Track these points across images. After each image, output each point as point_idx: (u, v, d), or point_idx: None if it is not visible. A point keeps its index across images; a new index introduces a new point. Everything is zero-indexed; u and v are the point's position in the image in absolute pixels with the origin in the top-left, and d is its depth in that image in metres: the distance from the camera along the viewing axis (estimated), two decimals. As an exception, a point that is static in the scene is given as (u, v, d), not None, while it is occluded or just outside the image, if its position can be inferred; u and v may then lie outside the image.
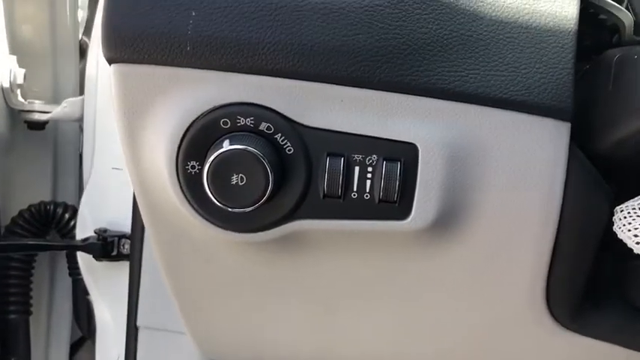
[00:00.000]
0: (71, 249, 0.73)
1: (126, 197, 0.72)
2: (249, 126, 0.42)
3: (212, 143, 0.42)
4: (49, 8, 0.80)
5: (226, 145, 0.41)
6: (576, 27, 0.44)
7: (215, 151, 0.41)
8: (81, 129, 0.88)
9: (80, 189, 0.88)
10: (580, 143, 0.44)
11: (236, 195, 0.41)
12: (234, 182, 0.41)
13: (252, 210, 0.42)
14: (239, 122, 0.42)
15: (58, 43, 0.82)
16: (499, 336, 0.49)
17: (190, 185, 0.43)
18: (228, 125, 0.42)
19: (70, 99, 0.77)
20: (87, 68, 0.75)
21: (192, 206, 0.44)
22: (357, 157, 0.42)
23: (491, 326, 0.48)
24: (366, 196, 0.43)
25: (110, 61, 0.43)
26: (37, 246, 0.79)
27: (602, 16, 0.49)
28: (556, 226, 0.44)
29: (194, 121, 0.42)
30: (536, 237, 0.44)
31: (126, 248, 0.73)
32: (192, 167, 0.43)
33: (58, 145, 0.86)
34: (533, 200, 0.43)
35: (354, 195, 0.43)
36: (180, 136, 0.43)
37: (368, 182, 0.43)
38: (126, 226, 0.73)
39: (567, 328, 0.48)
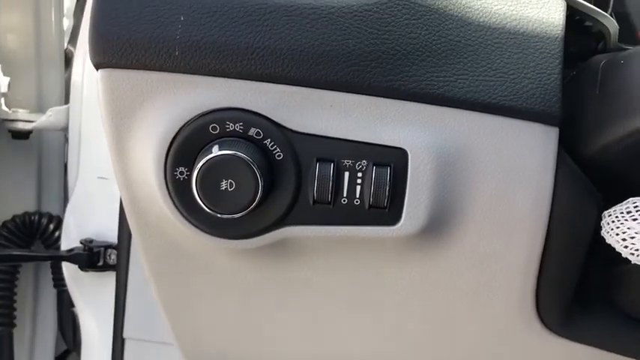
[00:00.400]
0: (56, 259, 0.72)
1: (112, 207, 0.72)
2: (239, 131, 0.42)
3: (201, 149, 0.42)
4: (34, 16, 0.80)
5: (215, 151, 0.41)
6: (563, 33, 0.44)
7: (204, 156, 0.41)
8: (66, 138, 0.87)
9: (65, 199, 0.87)
10: (567, 148, 0.44)
11: (225, 201, 0.41)
12: (223, 188, 0.41)
13: (241, 216, 0.42)
14: (228, 128, 0.42)
15: (42, 52, 0.81)
16: (488, 341, 0.49)
17: (179, 191, 0.43)
18: (217, 131, 0.42)
19: (55, 108, 0.77)
20: (72, 76, 0.74)
21: (181, 213, 0.43)
22: (347, 162, 0.42)
23: (480, 331, 0.48)
24: (356, 201, 0.43)
25: (97, 66, 0.43)
26: (22, 257, 0.78)
27: (587, 23, 0.50)
28: (545, 231, 0.44)
29: (183, 127, 0.42)
30: (525, 242, 0.44)
31: (112, 258, 0.72)
32: (181, 173, 0.42)
33: (43, 155, 0.85)
34: (522, 205, 0.44)
35: (344, 201, 0.43)
36: (169, 141, 0.42)
37: (358, 188, 0.42)
38: (112, 237, 0.72)
39: (556, 334, 0.48)
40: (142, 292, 0.69)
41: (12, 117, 0.78)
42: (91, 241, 0.72)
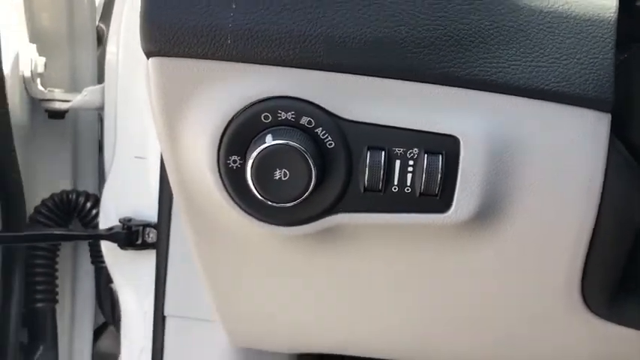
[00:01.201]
0: (97, 238, 0.73)
1: (149, 186, 0.72)
2: (290, 120, 0.42)
3: (253, 137, 0.42)
4: (67, -5, 0.79)
5: (269, 140, 0.41)
6: (616, 16, 0.43)
7: (258, 145, 0.41)
8: (100, 117, 0.88)
9: (99, 177, 0.88)
10: (619, 134, 0.44)
11: (279, 190, 0.41)
12: (277, 177, 0.41)
13: (293, 204, 0.42)
14: (280, 116, 0.42)
15: (76, 30, 0.81)
16: (534, 325, 0.49)
17: (232, 179, 0.43)
18: (269, 120, 0.42)
19: (91, 87, 0.77)
20: (107, 56, 0.74)
21: (234, 200, 0.44)
22: (398, 150, 0.42)
23: (526, 316, 0.49)
24: (407, 189, 0.43)
25: (149, 55, 0.43)
26: (65, 236, 0.79)
27: (638, 3, 0.49)
28: (594, 217, 0.44)
29: (235, 116, 0.42)
30: (574, 228, 0.44)
31: (150, 237, 0.73)
32: (234, 162, 0.43)
33: (78, 134, 0.85)
34: (572, 191, 0.43)
35: (395, 189, 0.43)
36: (222, 130, 0.42)
37: (409, 176, 0.43)
38: (149, 215, 0.73)
39: (602, 317, 0.48)
40: (182, 270, 0.70)
41: (49, 97, 0.78)
42: (130, 219, 0.73)
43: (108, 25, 0.89)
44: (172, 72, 0.42)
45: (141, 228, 0.72)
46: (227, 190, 0.44)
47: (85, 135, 0.86)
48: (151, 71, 0.43)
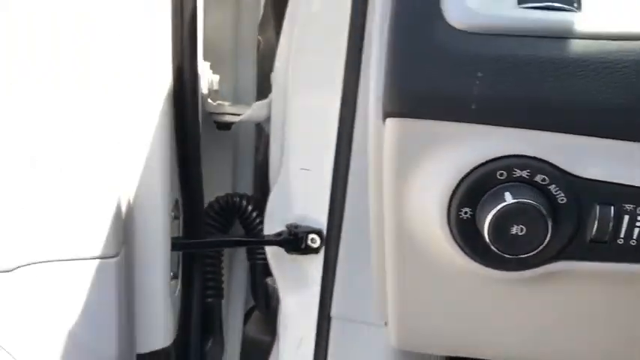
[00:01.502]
0: (269, 244, 0.79)
1: (313, 196, 0.77)
2: (525, 177, 0.45)
3: (486, 192, 0.45)
4: (235, 10, 0.83)
5: (509, 198, 0.44)
6: None
7: (495, 201, 0.44)
8: (257, 126, 0.93)
9: (254, 183, 0.93)
10: None
11: (514, 244, 0.45)
12: (513, 232, 0.44)
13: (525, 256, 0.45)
14: (514, 174, 0.45)
15: (240, 44, 0.85)
16: None
17: (461, 229, 0.47)
18: (504, 176, 0.45)
19: (259, 102, 0.81)
20: (274, 71, 0.78)
21: (461, 247, 0.47)
22: (628, 206, 0.45)
23: None
24: (632, 242, 0.45)
25: (387, 115, 0.46)
26: (241, 242, 0.86)
27: None
28: None
29: (471, 171, 0.45)
30: None
31: (315, 243, 0.78)
32: (465, 213, 0.46)
33: (238, 143, 0.91)
34: None
35: (620, 241, 0.45)
36: (456, 183, 0.46)
37: (636, 230, 0.45)
38: (312, 222, 0.78)
39: None
40: (348, 274, 0.75)
41: (220, 110, 0.83)
42: (297, 226, 0.78)
43: (265, 38, 0.93)
44: (410, 131, 0.46)
45: (305, 234, 0.78)
46: (454, 238, 0.47)
47: (243, 144, 0.91)
48: (389, 131, 0.46)
